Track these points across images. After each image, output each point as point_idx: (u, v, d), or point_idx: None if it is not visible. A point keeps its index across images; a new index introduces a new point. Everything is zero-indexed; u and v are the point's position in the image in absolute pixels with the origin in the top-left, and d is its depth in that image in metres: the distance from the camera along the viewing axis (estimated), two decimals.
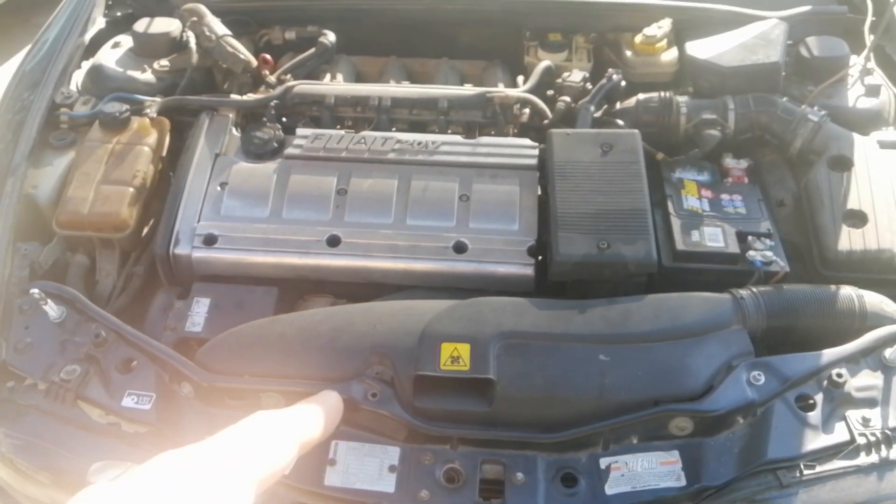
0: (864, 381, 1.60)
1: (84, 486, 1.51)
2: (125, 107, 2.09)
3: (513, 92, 2.19)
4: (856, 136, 2.04)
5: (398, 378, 1.57)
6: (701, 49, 2.25)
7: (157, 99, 2.17)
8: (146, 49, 2.34)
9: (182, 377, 1.61)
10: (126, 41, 2.39)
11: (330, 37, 2.38)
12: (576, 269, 1.75)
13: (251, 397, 1.60)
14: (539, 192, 1.96)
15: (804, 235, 1.94)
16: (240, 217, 1.91)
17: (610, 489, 1.51)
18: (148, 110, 2.12)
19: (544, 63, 2.29)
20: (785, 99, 2.10)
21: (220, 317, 1.78)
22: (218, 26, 2.32)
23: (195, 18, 2.33)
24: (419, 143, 2.04)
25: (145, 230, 2.02)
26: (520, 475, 1.52)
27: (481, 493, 1.51)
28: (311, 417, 0.87)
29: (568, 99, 2.17)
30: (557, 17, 2.44)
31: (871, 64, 2.20)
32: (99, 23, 2.45)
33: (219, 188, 1.96)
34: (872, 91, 2.16)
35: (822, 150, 2.01)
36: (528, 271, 1.82)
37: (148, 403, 1.60)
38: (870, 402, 1.57)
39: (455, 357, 1.57)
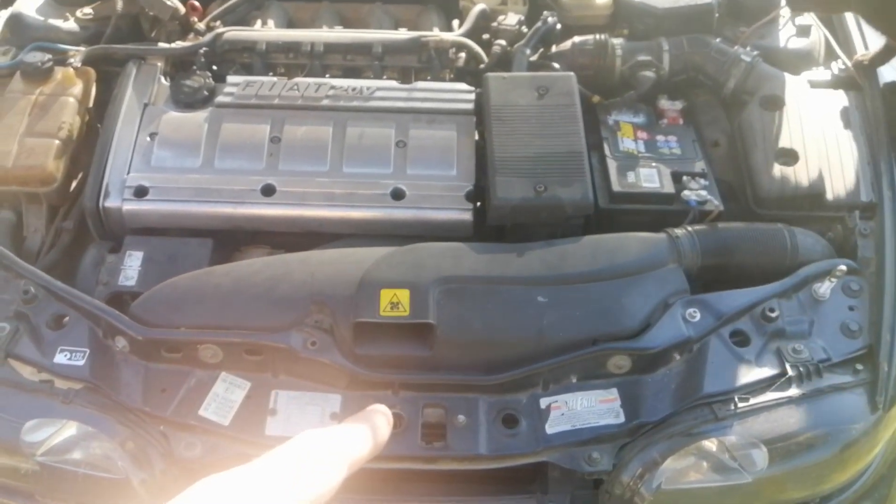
0: (796, 315, 1.63)
1: (18, 445, 1.50)
2: (47, 56, 2.01)
3: (448, 36, 2.16)
4: (787, 75, 2.06)
5: (338, 326, 1.57)
6: None
7: (82, 48, 2.10)
8: None
9: (116, 331, 1.58)
10: None
11: None
12: (513, 212, 1.76)
13: (188, 349, 1.58)
14: (476, 137, 1.94)
15: (738, 175, 1.96)
16: (171, 168, 1.87)
17: (550, 428, 1.53)
18: (72, 60, 2.05)
19: (479, 6, 2.27)
20: (718, 40, 2.11)
21: (153, 270, 1.74)
22: None
23: None
24: (354, 90, 2.01)
25: (73, 184, 1.95)
26: (461, 418, 1.53)
27: (423, 437, 1.52)
28: (360, 435, 0.85)
29: (504, 42, 2.15)
30: None
31: None
32: None
33: (148, 139, 1.91)
34: (803, 31, 2.18)
35: (755, 90, 2.03)
36: (467, 216, 1.82)
37: (81, 360, 1.57)
38: (801, 336, 1.62)
39: (395, 303, 1.57)
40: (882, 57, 2.00)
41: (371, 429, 0.88)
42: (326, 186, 1.84)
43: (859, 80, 2.03)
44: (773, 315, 1.61)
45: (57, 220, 1.91)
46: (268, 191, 1.83)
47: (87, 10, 2.22)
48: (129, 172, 1.85)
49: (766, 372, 1.57)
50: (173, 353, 1.59)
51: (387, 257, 1.65)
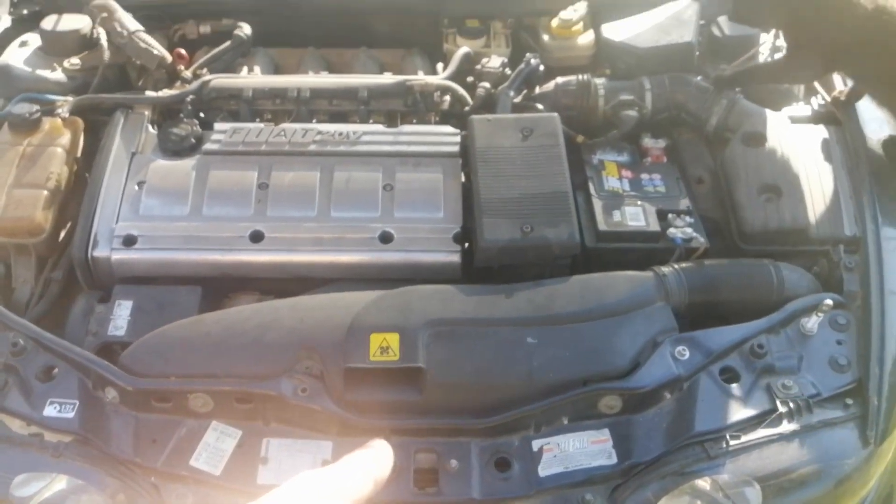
0: (784, 350, 1.64)
1: (8, 500, 1.48)
2: (35, 107, 2.02)
3: (432, 79, 2.18)
4: (768, 111, 2.08)
5: (328, 372, 1.57)
6: (616, 31, 2.27)
7: (69, 98, 2.11)
8: (55, 47, 2.27)
9: (106, 382, 1.58)
10: (34, 39, 2.31)
11: (245, 29, 2.34)
12: (501, 253, 1.77)
13: (178, 399, 1.58)
14: (462, 179, 1.96)
15: (723, 211, 1.99)
16: (159, 216, 1.88)
17: (543, 471, 1.53)
18: (60, 110, 2.06)
19: (463, 50, 2.30)
20: (699, 78, 2.14)
21: (143, 319, 1.74)
22: (130, 22, 2.25)
23: (105, 14, 2.26)
24: (340, 134, 2.02)
25: (62, 234, 1.96)
26: (454, 462, 1.53)
27: (416, 483, 1.51)
28: (360, 473, 0.83)
29: (488, 85, 2.18)
30: (474, 3, 2.44)
31: (780, 41, 2.25)
32: (4, 21, 2.37)
33: (136, 187, 1.92)
34: None
35: (737, 126, 2.06)
36: (455, 258, 1.83)
37: (71, 411, 1.56)
38: (790, 371, 1.62)
39: (384, 347, 1.57)
40: (858, 93, 2.03)
41: (371, 465, 0.86)
42: (314, 231, 1.85)
43: (839, 115, 2.06)
44: (762, 351, 1.62)
45: (46, 271, 1.91)
46: (256, 237, 1.83)
47: (75, 60, 2.24)
48: (117, 221, 1.86)
49: (756, 408, 1.57)
50: (163, 403, 1.58)
51: (376, 301, 1.65)
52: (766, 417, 1.56)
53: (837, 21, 1.86)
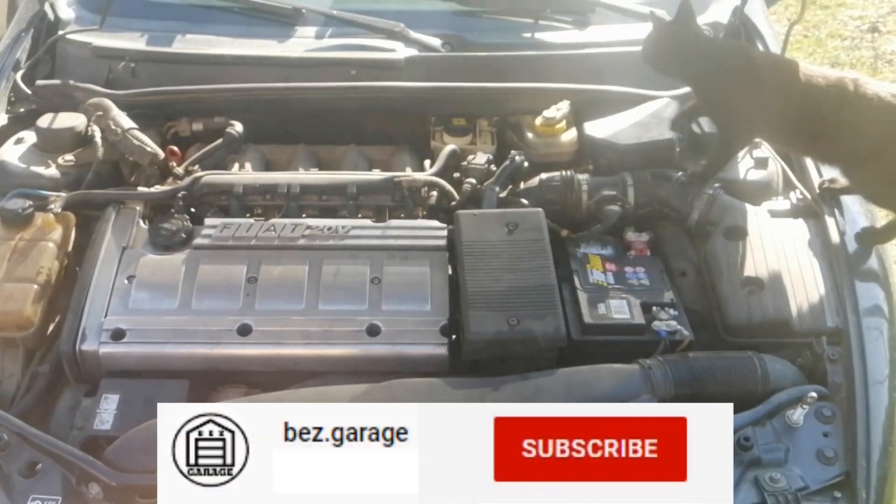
0: (771, 442, 1.64)
1: None
2: (28, 203, 2.05)
3: (420, 176, 2.23)
4: (748, 206, 2.13)
5: None
6: (599, 128, 2.33)
7: (62, 194, 2.14)
8: (50, 144, 2.31)
9: (89, 478, 1.57)
10: (29, 137, 2.34)
11: (237, 127, 2.39)
12: (488, 346, 1.78)
13: None
14: (449, 272, 1.98)
15: (706, 303, 2.01)
16: (148, 310, 1.89)
17: None
18: (52, 206, 2.08)
19: (450, 147, 2.35)
20: (680, 174, 2.19)
21: (129, 413, 1.73)
22: (124, 120, 2.31)
23: (100, 113, 2.32)
24: (329, 229, 2.06)
25: (51, 327, 1.96)
26: None
27: None
28: None
29: (473, 181, 2.23)
30: (460, 103, 2.51)
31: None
32: (1, 118, 2.41)
33: (126, 281, 1.93)
34: (761, 163, 2.27)
35: (718, 220, 2.10)
36: (442, 351, 1.84)
37: None
38: (777, 464, 1.62)
39: None
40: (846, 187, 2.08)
41: None
42: (302, 324, 1.86)
43: (816, 207, 2.11)
44: (749, 444, 1.62)
45: (33, 365, 1.90)
46: (244, 331, 1.84)
47: (69, 156, 2.27)
48: (106, 315, 1.87)
49: (745, 501, 1.56)
50: (148, 499, 1.56)
51: (363, 395, 1.66)
52: None
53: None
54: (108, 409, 1.74)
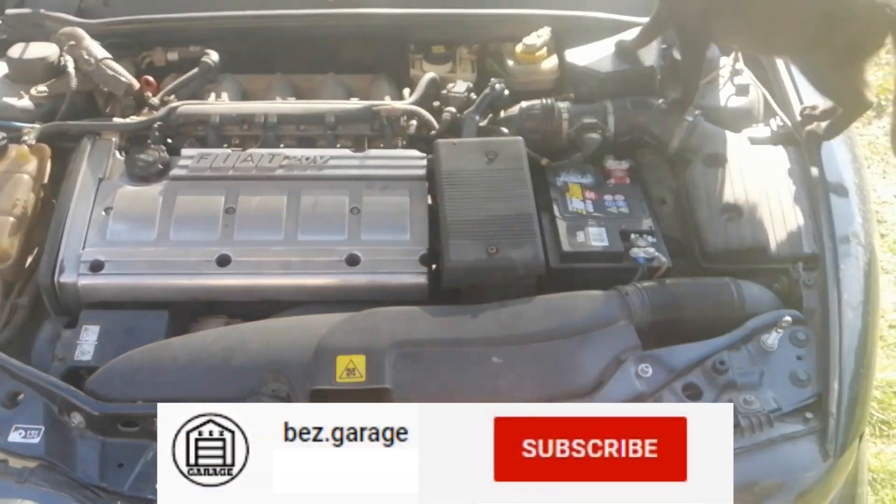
0: (746, 366, 1.67)
1: None
2: (2, 134, 2.04)
3: (399, 104, 2.21)
4: (728, 133, 2.12)
5: (294, 394, 1.58)
6: (580, 56, 2.31)
7: (36, 125, 2.11)
8: (22, 75, 2.28)
9: (72, 407, 1.58)
10: (1, 68, 2.32)
11: (213, 56, 2.35)
12: (467, 274, 1.79)
13: (145, 423, 1.58)
14: (429, 202, 1.98)
15: (685, 231, 2.02)
16: (126, 241, 1.88)
17: None
18: (26, 137, 2.06)
19: (429, 75, 2.32)
20: (661, 101, 2.18)
21: (110, 344, 1.74)
22: (97, 49, 2.27)
23: (73, 42, 2.28)
24: (307, 159, 2.04)
25: (29, 260, 1.95)
26: None
27: None
28: None
29: (453, 109, 2.21)
30: (440, 30, 2.48)
31: (740, 65, 2.30)
32: None
33: (103, 213, 1.92)
34: (742, 90, 2.25)
35: (698, 148, 2.09)
36: (422, 280, 1.85)
37: (36, 437, 1.56)
38: (751, 387, 1.65)
39: (351, 369, 1.59)
40: (833, 131, 2.07)
41: None
42: (281, 255, 1.86)
43: (797, 135, 2.11)
44: (724, 367, 1.65)
45: (12, 297, 1.90)
46: (223, 261, 1.84)
47: (42, 87, 2.24)
48: (84, 247, 1.86)
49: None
50: (130, 428, 1.59)
51: (342, 324, 1.67)
52: None
53: None
54: (88, 341, 1.75)
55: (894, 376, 3.06)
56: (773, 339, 1.69)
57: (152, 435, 1.58)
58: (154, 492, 1.52)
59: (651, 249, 1.88)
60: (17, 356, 1.69)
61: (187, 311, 1.86)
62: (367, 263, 1.86)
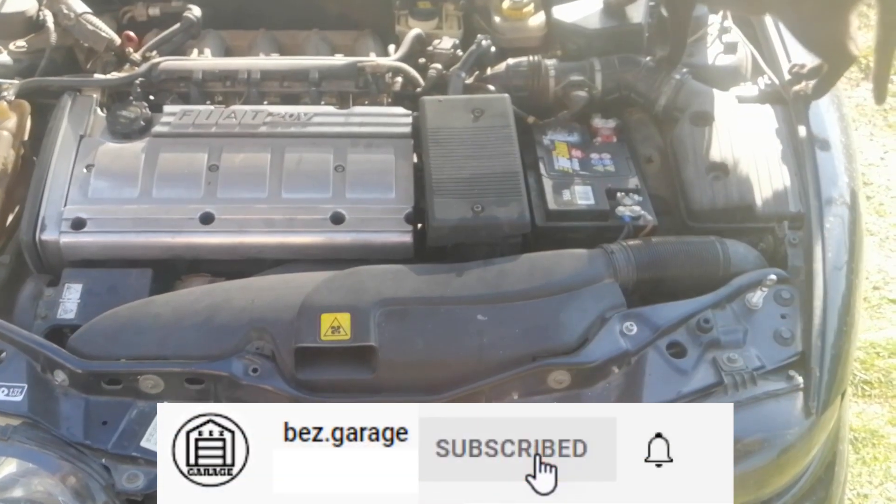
0: (730, 325, 1.67)
1: None
2: None
3: (384, 61, 2.18)
4: (716, 91, 2.11)
5: (279, 352, 1.57)
6: (567, 13, 2.28)
7: (15, 81, 2.08)
8: (1, 30, 2.24)
9: (55, 365, 1.58)
10: None
11: (195, 11, 2.31)
12: (452, 233, 1.78)
13: (128, 381, 1.58)
14: (414, 160, 1.97)
15: (671, 189, 2.01)
16: (108, 199, 1.86)
17: None
18: (5, 93, 2.03)
19: (415, 31, 2.29)
20: (648, 58, 2.16)
21: (93, 302, 1.73)
22: (77, 4, 2.22)
23: None
24: (291, 116, 2.02)
25: (10, 218, 1.94)
26: None
27: None
28: None
29: (439, 66, 2.18)
30: None
31: (729, 22, 2.28)
32: None
33: (85, 170, 1.90)
34: (730, 48, 2.24)
35: (685, 106, 2.08)
36: (407, 238, 1.84)
37: (19, 395, 1.55)
38: (735, 345, 1.65)
39: (335, 327, 1.58)
40: (820, 90, 2.05)
41: None
42: (265, 213, 1.85)
43: (784, 94, 2.10)
44: (708, 325, 1.65)
45: None
46: (206, 219, 1.83)
47: (21, 42, 2.21)
48: (65, 205, 1.84)
49: (702, 381, 1.60)
50: (113, 385, 1.58)
51: (327, 282, 1.66)
52: (711, 390, 1.59)
53: None
54: (71, 299, 1.74)
55: (877, 337, 3.09)
56: (757, 297, 1.69)
57: (136, 393, 1.59)
58: (138, 449, 1.53)
59: (637, 208, 1.88)
60: (0, 314, 1.67)
61: (171, 270, 1.85)
62: (352, 222, 1.84)
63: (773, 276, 1.69)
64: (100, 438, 1.55)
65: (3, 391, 1.55)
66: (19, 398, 1.55)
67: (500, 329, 1.60)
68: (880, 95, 2.03)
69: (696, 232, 1.89)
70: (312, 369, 1.57)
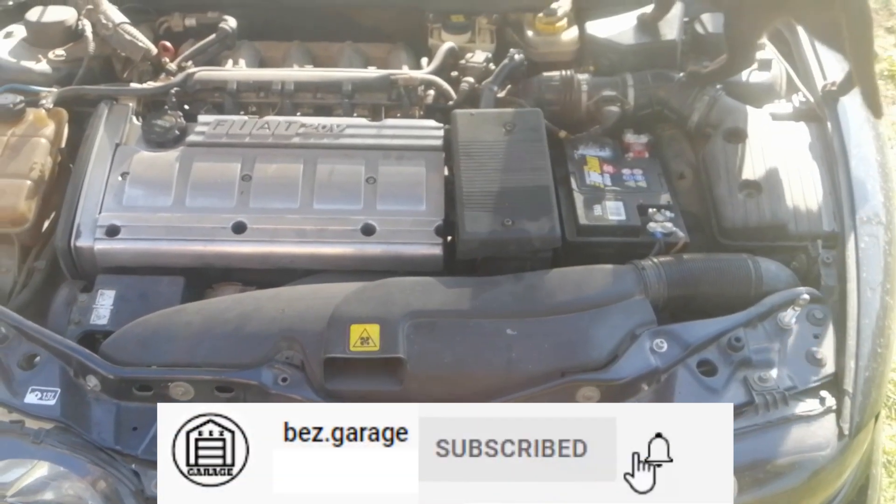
0: (762, 344, 1.66)
1: None
2: (19, 98, 2.03)
3: (417, 74, 2.20)
4: (749, 108, 2.10)
5: (308, 362, 1.58)
6: (601, 28, 2.28)
7: (54, 89, 2.11)
8: (40, 38, 2.27)
9: (87, 370, 1.59)
10: (19, 31, 2.31)
11: (231, 22, 2.34)
12: (482, 246, 1.78)
13: (159, 387, 1.59)
14: (445, 173, 1.97)
15: (703, 206, 2.00)
16: (142, 207, 1.88)
17: None
18: (44, 101, 2.06)
19: (448, 44, 2.31)
20: (682, 75, 2.15)
21: (125, 308, 1.75)
22: (115, 14, 2.26)
23: (91, 6, 2.27)
24: (324, 127, 2.03)
25: (46, 224, 1.97)
26: None
27: None
28: None
29: (471, 79, 2.19)
30: None
31: (763, 39, 2.27)
32: None
33: (120, 178, 1.92)
34: (764, 65, 2.22)
35: (718, 123, 2.07)
36: (437, 251, 1.84)
37: (52, 399, 1.57)
38: (767, 364, 1.64)
39: (365, 338, 1.59)
40: (847, 86, 2.04)
41: None
42: (297, 223, 1.86)
43: (819, 111, 2.08)
44: (739, 344, 1.63)
45: (29, 260, 1.91)
46: (239, 228, 1.84)
47: (60, 51, 2.24)
48: (100, 212, 1.86)
49: (733, 401, 1.58)
50: (144, 392, 1.60)
51: (357, 293, 1.66)
52: (742, 409, 1.57)
53: None
54: (104, 305, 1.76)
55: None
56: (790, 317, 1.68)
57: (166, 399, 1.59)
58: None
59: (668, 224, 1.87)
60: (34, 319, 1.69)
61: (202, 278, 1.86)
62: (383, 233, 1.85)
63: (806, 296, 1.67)
64: (130, 444, 1.56)
65: (36, 395, 1.57)
66: (52, 402, 1.57)
67: (528, 343, 1.60)
68: (876, 110, 2.00)
69: (727, 249, 1.88)
70: (341, 380, 1.58)
